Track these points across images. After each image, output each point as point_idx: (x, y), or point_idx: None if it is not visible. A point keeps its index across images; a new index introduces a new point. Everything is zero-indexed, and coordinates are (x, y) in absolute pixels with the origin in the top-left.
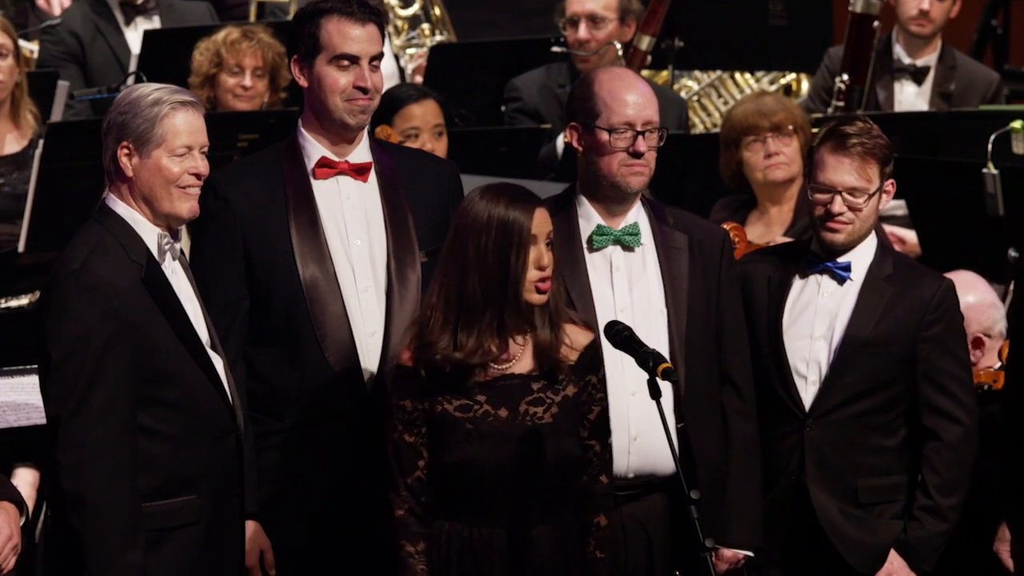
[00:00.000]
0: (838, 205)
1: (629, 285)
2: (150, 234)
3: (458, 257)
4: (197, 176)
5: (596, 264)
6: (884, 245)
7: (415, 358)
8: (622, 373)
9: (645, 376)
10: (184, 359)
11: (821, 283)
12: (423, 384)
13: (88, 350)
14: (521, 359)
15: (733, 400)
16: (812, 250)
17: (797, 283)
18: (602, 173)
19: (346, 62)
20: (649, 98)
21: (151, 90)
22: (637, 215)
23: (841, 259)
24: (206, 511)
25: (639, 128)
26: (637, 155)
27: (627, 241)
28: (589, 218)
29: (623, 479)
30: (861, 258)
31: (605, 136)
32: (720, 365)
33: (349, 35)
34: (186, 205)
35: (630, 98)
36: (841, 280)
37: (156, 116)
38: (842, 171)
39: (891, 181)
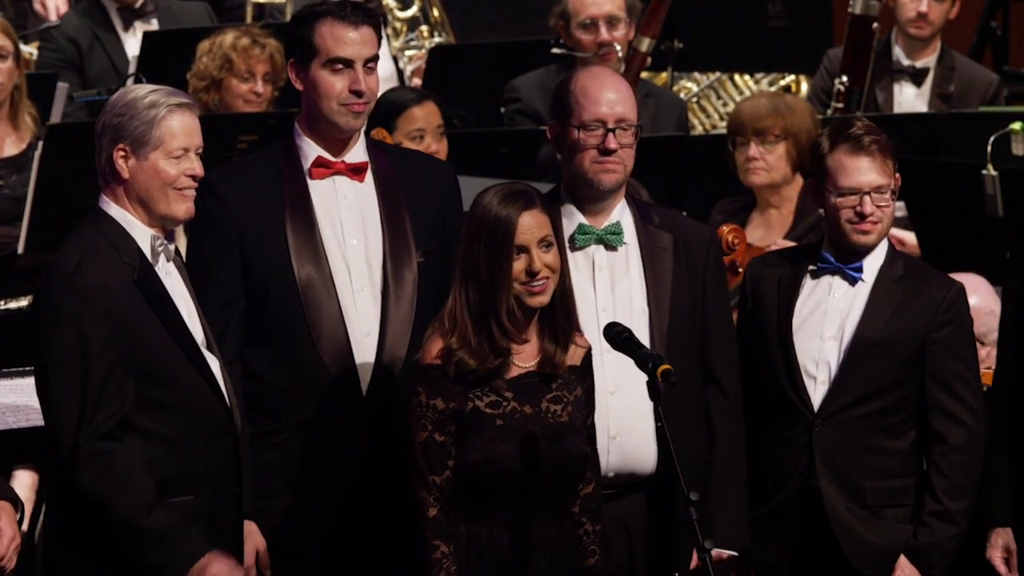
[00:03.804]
0: (869, 206)
1: (611, 284)
2: (143, 236)
3: (463, 262)
4: (193, 178)
5: (578, 263)
6: (894, 247)
7: (444, 358)
8: (602, 372)
9: (626, 376)
10: (179, 360)
11: (832, 284)
12: (453, 382)
13: (85, 354)
14: (538, 357)
15: (718, 399)
16: (824, 252)
17: (808, 284)
18: (576, 171)
19: (340, 66)
20: (623, 96)
21: (147, 92)
22: (621, 214)
23: (845, 260)
24: (203, 511)
25: (611, 125)
26: (607, 152)
27: (610, 240)
28: (572, 217)
29: (604, 478)
30: (872, 259)
31: (577, 133)
32: (705, 365)
33: (343, 38)
34: (182, 207)
35: (602, 95)
36: (852, 281)
37: (154, 118)
38: (867, 171)
39: (897, 176)
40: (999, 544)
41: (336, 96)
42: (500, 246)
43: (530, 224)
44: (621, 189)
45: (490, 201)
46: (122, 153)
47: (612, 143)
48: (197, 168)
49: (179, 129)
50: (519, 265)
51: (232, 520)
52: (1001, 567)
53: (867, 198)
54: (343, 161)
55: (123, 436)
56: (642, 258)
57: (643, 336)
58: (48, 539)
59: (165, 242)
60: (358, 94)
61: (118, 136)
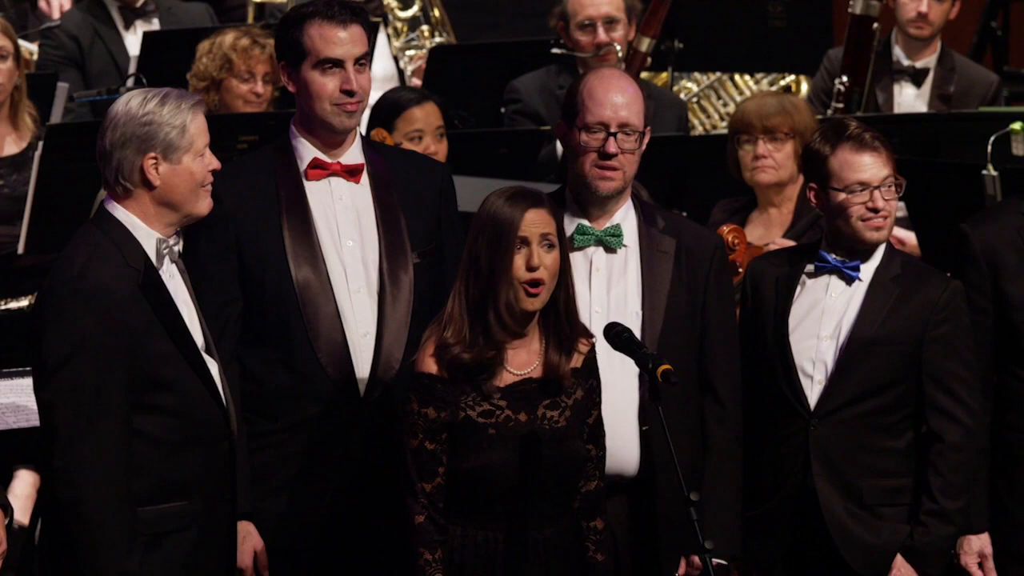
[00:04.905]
0: (880, 200)
1: (607, 286)
2: (148, 239)
3: (466, 260)
4: (213, 172)
5: (577, 264)
6: (892, 246)
7: (437, 362)
8: None
9: (611, 379)
10: (179, 365)
11: (829, 283)
12: (446, 390)
13: (85, 357)
14: (536, 363)
15: (713, 408)
16: (821, 251)
17: (805, 283)
18: (578, 173)
19: (331, 66)
20: (630, 100)
21: (157, 98)
22: (624, 216)
23: (850, 259)
24: (197, 516)
25: (613, 129)
26: (607, 156)
27: (609, 242)
28: (573, 217)
29: None
30: (870, 259)
31: (580, 135)
32: (702, 373)
33: (332, 39)
34: (206, 203)
35: (607, 98)
36: (849, 280)
37: (183, 123)
38: (874, 166)
39: (900, 177)
40: (973, 551)
41: (328, 96)
42: (503, 237)
43: (534, 220)
44: (625, 192)
45: (498, 198)
46: (153, 161)
47: (612, 147)
48: (215, 162)
49: (202, 128)
50: (520, 259)
51: (225, 524)
52: (976, 573)
53: (877, 192)
54: (339, 162)
55: (127, 441)
56: (641, 261)
57: None
58: (46, 540)
59: (170, 244)
60: (350, 93)
61: (147, 146)
